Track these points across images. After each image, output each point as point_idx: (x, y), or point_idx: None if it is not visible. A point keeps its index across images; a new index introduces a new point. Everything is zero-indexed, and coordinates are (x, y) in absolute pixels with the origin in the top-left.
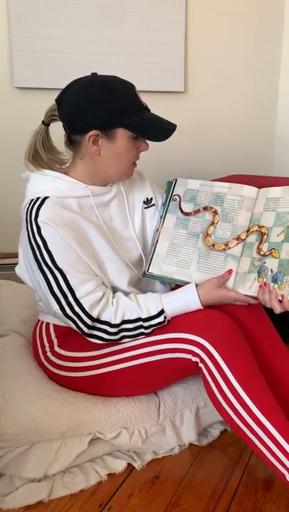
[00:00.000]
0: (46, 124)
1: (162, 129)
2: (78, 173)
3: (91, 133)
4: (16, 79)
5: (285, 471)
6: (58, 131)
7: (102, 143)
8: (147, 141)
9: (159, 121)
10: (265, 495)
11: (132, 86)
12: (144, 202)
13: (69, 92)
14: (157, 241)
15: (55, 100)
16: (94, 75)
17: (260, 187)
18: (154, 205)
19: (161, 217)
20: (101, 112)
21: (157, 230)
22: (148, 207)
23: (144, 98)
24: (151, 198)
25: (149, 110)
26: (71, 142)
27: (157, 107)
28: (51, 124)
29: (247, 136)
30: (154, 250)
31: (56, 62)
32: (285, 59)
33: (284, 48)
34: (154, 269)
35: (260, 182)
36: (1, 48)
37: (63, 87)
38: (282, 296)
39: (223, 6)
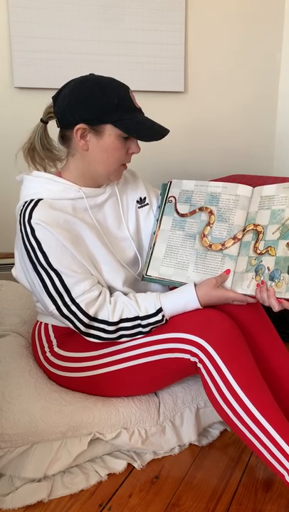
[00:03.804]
0: (44, 121)
1: (151, 131)
2: (71, 173)
3: (78, 126)
4: (16, 79)
5: (284, 472)
6: (57, 130)
7: (90, 138)
8: (140, 144)
9: (150, 123)
10: (265, 495)
11: (126, 87)
12: (137, 201)
13: (64, 90)
14: (154, 244)
15: (52, 97)
16: (90, 74)
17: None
18: (147, 204)
19: (157, 220)
20: (90, 106)
21: (154, 233)
22: (141, 206)
23: (144, 98)
24: (145, 198)
25: (143, 113)
26: (63, 138)
27: (157, 107)
28: (51, 123)
29: (247, 136)
30: (152, 253)
31: (56, 62)
32: (285, 59)
33: (284, 48)
34: (152, 272)
35: (260, 183)
36: (1, 48)
37: None
38: (279, 300)
39: (223, 5)
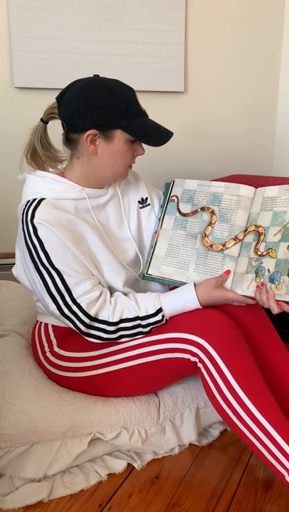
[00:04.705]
0: (45, 121)
1: (159, 135)
2: (75, 174)
3: (89, 132)
4: (16, 79)
5: (284, 472)
6: (56, 130)
7: (100, 143)
8: (143, 146)
9: (156, 126)
10: (265, 495)
11: (132, 90)
12: (139, 202)
13: (70, 91)
14: (156, 243)
15: (56, 98)
16: (96, 76)
17: (260, 187)
18: (149, 204)
19: (159, 219)
20: (101, 112)
21: (156, 232)
22: (143, 206)
23: (144, 98)
24: (146, 198)
25: (148, 116)
26: (69, 141)
27: (157, 107)
28: (50, 123)
29: (247, 136)
30: (153, 252)
31: (56, 62)
32: (285, 59)
33: (284, 48)
34: (153, 271)
35: (261, 182)
36: (1, 48)
37: (64, 87)
38: (279, 303)
39: (223, 5)
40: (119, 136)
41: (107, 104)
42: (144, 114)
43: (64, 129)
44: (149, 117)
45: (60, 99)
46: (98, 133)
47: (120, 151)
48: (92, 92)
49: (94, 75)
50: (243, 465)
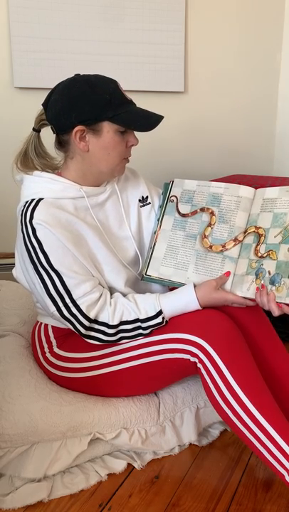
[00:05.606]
0: (37, 130)
1: (147, 120)
2: (71, 173)
3: (76, 129)
4: (16, 79)
5: (284, 472)
6: (49, 138)
7: (89, 138)
8: (136, 135)
9: (143, 112)
10: (265, 495)
11: (114, 81)
12: (139, 200)
13: (54, 94)
14: (155, 243)
15: (42, 105)
16: (77, 75)
17: (260, 187)
18: (149, 203)
19: (158, 220)
20: (84, 107)
21: (155, 233)
22: (143, 205)
23: (144, 98)
24: (147, 197)
25: (134, 104)
26: (60, 143)
27: (157, 107)
28: (43, 130)
29: (247, 136)
30: (152, 253)
31: (56, 62)
32: (285, 59)
33: (284, 48)
34: (152, 272)
35: (261, 182)
36: (1, 48)
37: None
38: (280, 305)
39: (223, 5)
40: (107, 128)
41: (89, 98)
42: (129, 102)
43: (54, 132)
44: (137, 105)
45: (46, 104)
46: (86, 128)
47: (111, 143)
48: (74, 90)
49: (75, 74)
50: (243, 465)
